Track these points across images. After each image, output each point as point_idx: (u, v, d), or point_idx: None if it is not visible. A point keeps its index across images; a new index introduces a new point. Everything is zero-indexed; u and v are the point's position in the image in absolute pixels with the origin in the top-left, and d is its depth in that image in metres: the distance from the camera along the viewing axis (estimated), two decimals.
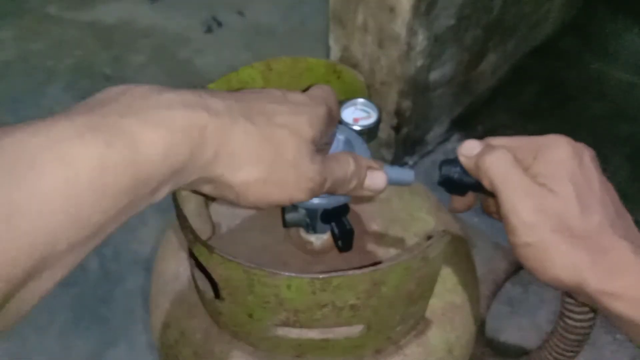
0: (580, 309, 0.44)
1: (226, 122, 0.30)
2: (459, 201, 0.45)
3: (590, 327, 0.45)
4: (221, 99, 0.31)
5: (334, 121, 0.39)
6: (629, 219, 0.38)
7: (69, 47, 1.76)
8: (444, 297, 0.53)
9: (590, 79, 1.59)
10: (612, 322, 0.36)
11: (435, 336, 0.51)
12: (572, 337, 0.46)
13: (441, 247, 0.42)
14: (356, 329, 0.46)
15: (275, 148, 0.32)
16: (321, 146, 0.38)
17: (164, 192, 0.29)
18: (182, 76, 1.65)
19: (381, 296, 0.42)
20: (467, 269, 0.57)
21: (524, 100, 1.55)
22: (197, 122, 0.29)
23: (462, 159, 0.41)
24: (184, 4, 1.91)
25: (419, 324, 0.51)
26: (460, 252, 0.57)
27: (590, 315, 0.45)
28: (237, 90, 0.36)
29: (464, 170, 0.41)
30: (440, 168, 0.43)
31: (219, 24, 1.85)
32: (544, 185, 0.37)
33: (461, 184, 0.42)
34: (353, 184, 0.38)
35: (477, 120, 1.49)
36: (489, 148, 0.39)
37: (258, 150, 0.32)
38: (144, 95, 0.28)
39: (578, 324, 0.45)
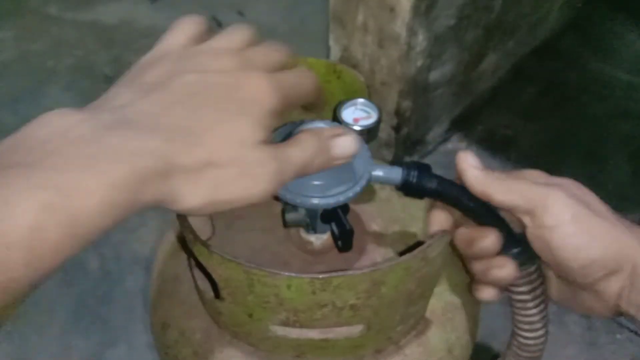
0: (530, 327, 0.45)
1: (160, 159, 0.29)
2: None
3: (542, 343, 0.46)
4: (149, 133, 0.30)
5: (289, 106, 0.36)
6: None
7: (69, 47, 1.76)
8: (444, 297, 0.53)
9: (590, 79, 1.59)
10: None
11: (435, 336, 0.51)
12: (525, 354, 0.47)
13: (441, 247, 0.42)
14: (356, 329, 0.46)
15: (215, 165, 0.31)
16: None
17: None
18: None
19: (381, 296, 0.42)
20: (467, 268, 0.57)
21: (524, 100, 1.55)
22: (133, 169, 0.28)
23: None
24: (184, 4, 1.91)
25: (419, 324, 0.51)
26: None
27: (541, 332, 0.45)
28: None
29: (422, 175, 0.41)
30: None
31: (219, 24, 1.85)
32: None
33: (419, 188, 0.41)
34: (318, 161, 0.36)
35: (477, 120, 1.49)
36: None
37: (197, 173, 0.30)
38: (74, 143, 0.27)
39: (531, 342, 0.46)
